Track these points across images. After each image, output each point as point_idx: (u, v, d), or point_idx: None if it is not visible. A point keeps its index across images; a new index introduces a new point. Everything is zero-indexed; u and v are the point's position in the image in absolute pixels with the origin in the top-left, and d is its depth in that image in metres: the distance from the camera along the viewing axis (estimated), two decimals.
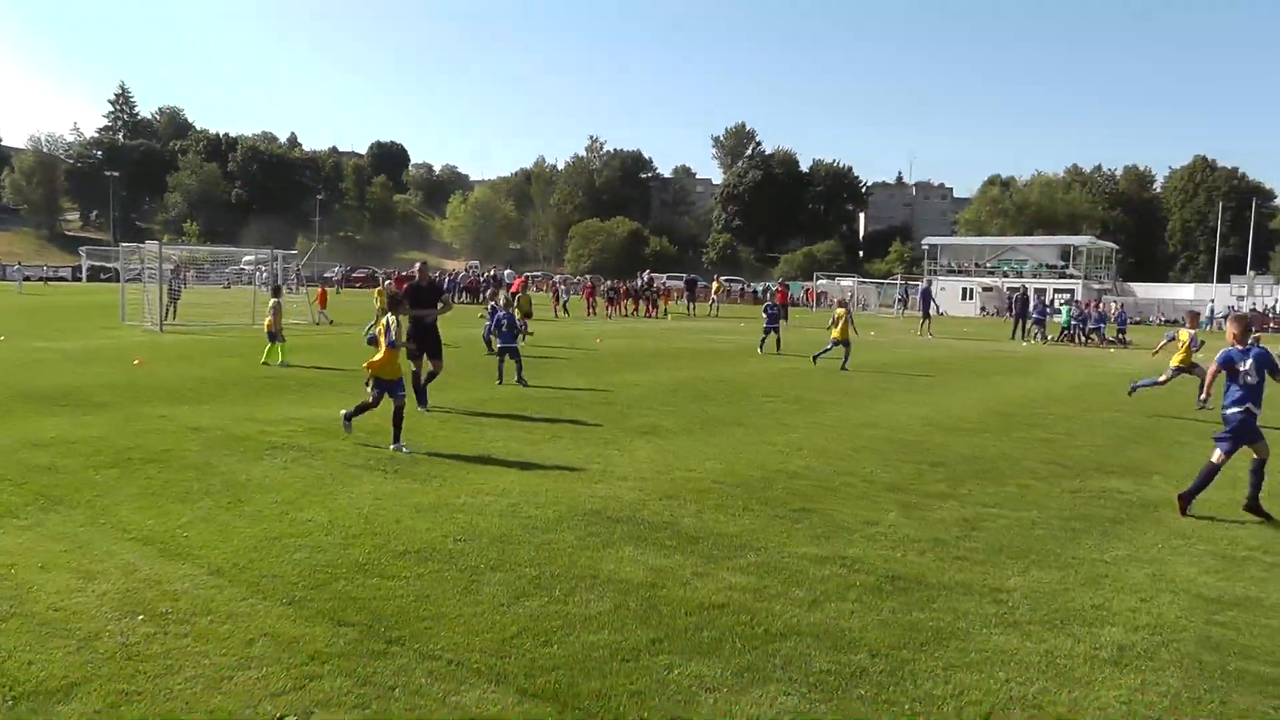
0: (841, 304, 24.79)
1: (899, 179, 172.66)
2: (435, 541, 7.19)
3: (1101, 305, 44.71)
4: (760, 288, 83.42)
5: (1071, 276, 75.76)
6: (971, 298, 74.88)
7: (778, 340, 27.18)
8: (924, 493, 9.59)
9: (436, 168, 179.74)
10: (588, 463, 10.31)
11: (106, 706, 4.50)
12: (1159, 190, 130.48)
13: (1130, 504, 9.56)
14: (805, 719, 4.61)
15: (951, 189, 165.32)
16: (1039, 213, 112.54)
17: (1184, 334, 18.92)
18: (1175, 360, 18.18)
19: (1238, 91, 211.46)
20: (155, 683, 4.75)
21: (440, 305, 14.73)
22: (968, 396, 18.37)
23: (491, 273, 68.03)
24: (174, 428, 11.73)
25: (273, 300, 20.57)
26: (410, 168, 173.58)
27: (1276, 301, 70.76)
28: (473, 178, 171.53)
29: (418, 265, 15.85)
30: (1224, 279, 78.63)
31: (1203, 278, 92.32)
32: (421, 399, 13.73)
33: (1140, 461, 11.97)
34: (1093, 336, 39.87)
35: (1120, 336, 40.11)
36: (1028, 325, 40.27)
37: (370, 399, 11.07)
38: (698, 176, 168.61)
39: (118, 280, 39.75)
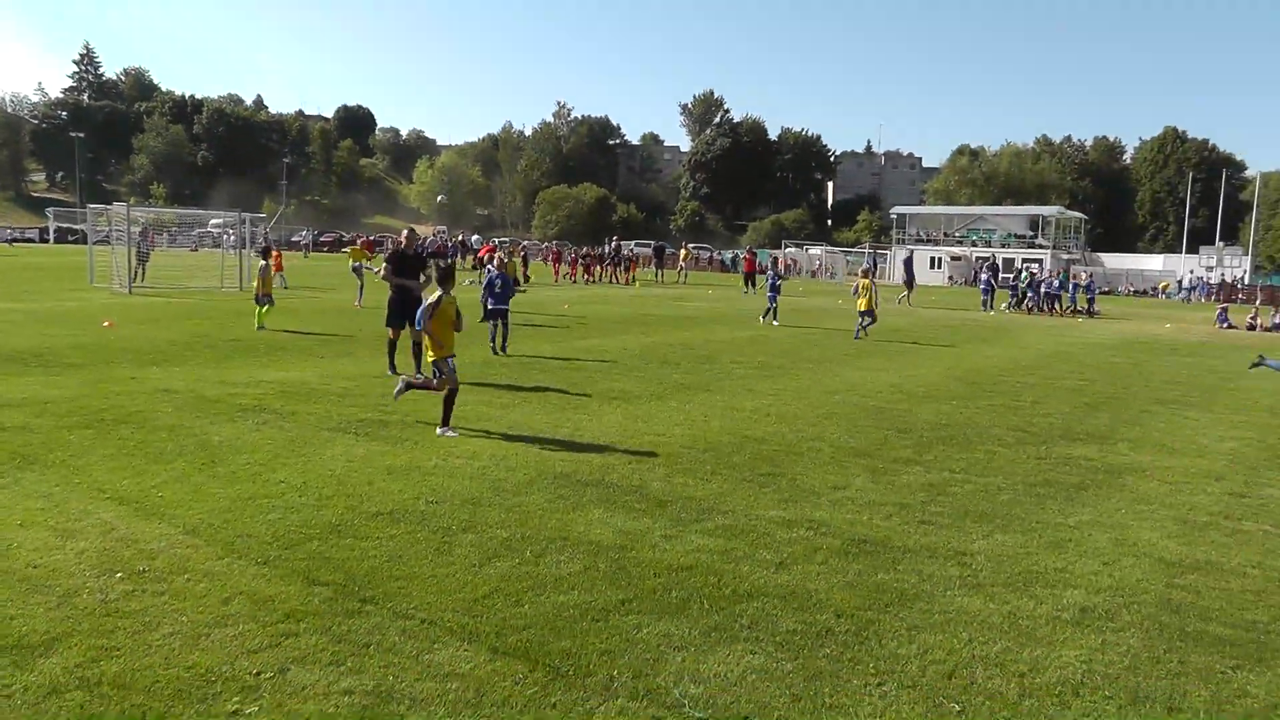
0: (866, 274, 24.33)
1: (868, 148, 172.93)
2: (407, 503, 7.24)
3: (1057, 274, 45.02)
4: (729, 256, 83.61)
5: (1040, 246, 76.28)
6: (940, 267, 75.33)
7: (775, 311, 26.49)
8: (891, 458, 9.72)
9: (404, 132, 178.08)
10: (557, 427, 10.37)
11: (87, 660, 4.54)
12: (1129, 161, 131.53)
13: (1095, 470, 9.73)
14: (771, 677, 4.71)
15: (920, 158, 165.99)
16: (1008, 183, 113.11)
17: None
18: None
19: (1209, 64, 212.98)
20: (134, 638, 4.80)
21: (423, 277, 14.16)
22: (936, 364, 18.57)
23: (460, 238, 67.61)
24: (145, 389, 11.67)
25: (261, 263, 20.33)
26: (377, 132, 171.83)
27: (1245, 272, 71.64)
28: (440, 142, 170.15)
29: (404, 232, 15.31)
30: (1193, 250, 79.37)
31: (1172, 248, 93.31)
32: (393, 366, 13.69)
33: (1105, 428, 12.18)
34: (1056, 306, 40.33)
35: (1089, 307, 40.57)
36: (994, 295, 40.72)
37: (434, 379, 10.12)
38: (666, 144, 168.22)
39: (85, 242, 39.20)
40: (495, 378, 13.87)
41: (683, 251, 62.33)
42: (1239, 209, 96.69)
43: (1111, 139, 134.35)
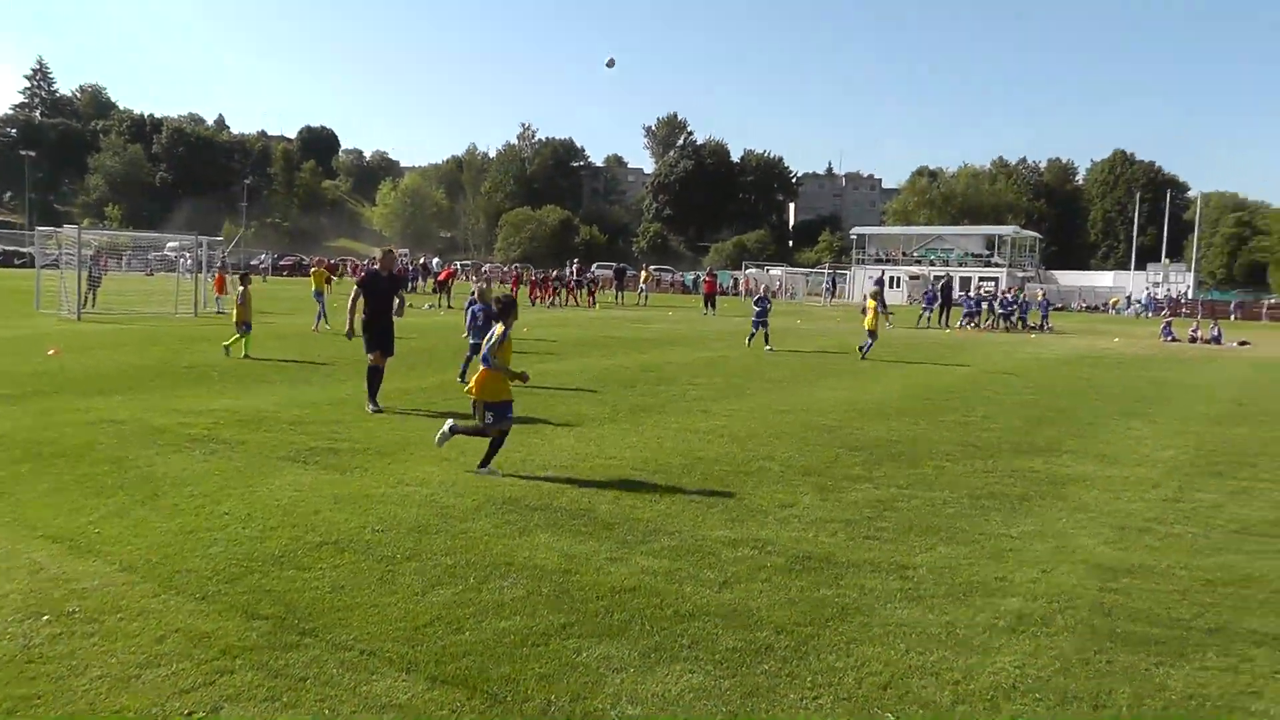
0: (874, 295, 24.53)
1: (829, 170, 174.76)
2: (353, 532, 7.19)
3: (1011, 292, 45.76)
4: (691, 277, 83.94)
5: (996, 265, 77.65)
6: (899, 286, 76.15)
7: (766, 335, 25.29)
8: (840, 475, 9.81)
9: (367, 154, 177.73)
10: (509, 452, 10.29)
11: (2, 714, 4.40)
12: (1081, 182, 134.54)
13: (1039, 481, 9.91)
14: (709, 695, 4.74)
15: (880, 180, 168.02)
16: (965, 203, 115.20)
17: None
18: None
19: (1157, 87, 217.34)
20: (57, 684, 4.66)
21: (397, 301, 13.46)
22: (889, 382, 18.76)
23: (421, 261, 67.46)
24: (90, 420, 11.48)
25: (240, 288, 19.67)
26: (340, 153, 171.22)
27: (1188, 287, 73.24)
28: (404, 164, 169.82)
29: (381, 252, 14.39)
30: (1141, 267, 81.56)
31: (1122, 265, 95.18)
32: (374, 396, 13.03)
33: (1052, 441, 12.38)
34: (1012, 322, 40.94)
35: (1043, 323, 41.23)
36: (948, 312, 41.26)
37: (482, 424, 9.38)
38: (629, 166, 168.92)
39: (33, 266, 38.63)
40: (450, 402, 13.81)
41: (643, 273, 62.56)
42: (1183, 228, 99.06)
43: (1065, 161, 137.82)
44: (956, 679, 4.99)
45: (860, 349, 23.48)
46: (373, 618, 5.54)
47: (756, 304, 25.85)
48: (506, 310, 9.52)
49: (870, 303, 23.99)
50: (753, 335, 25.55)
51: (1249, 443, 12.86)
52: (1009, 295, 43.92)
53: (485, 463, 9.34)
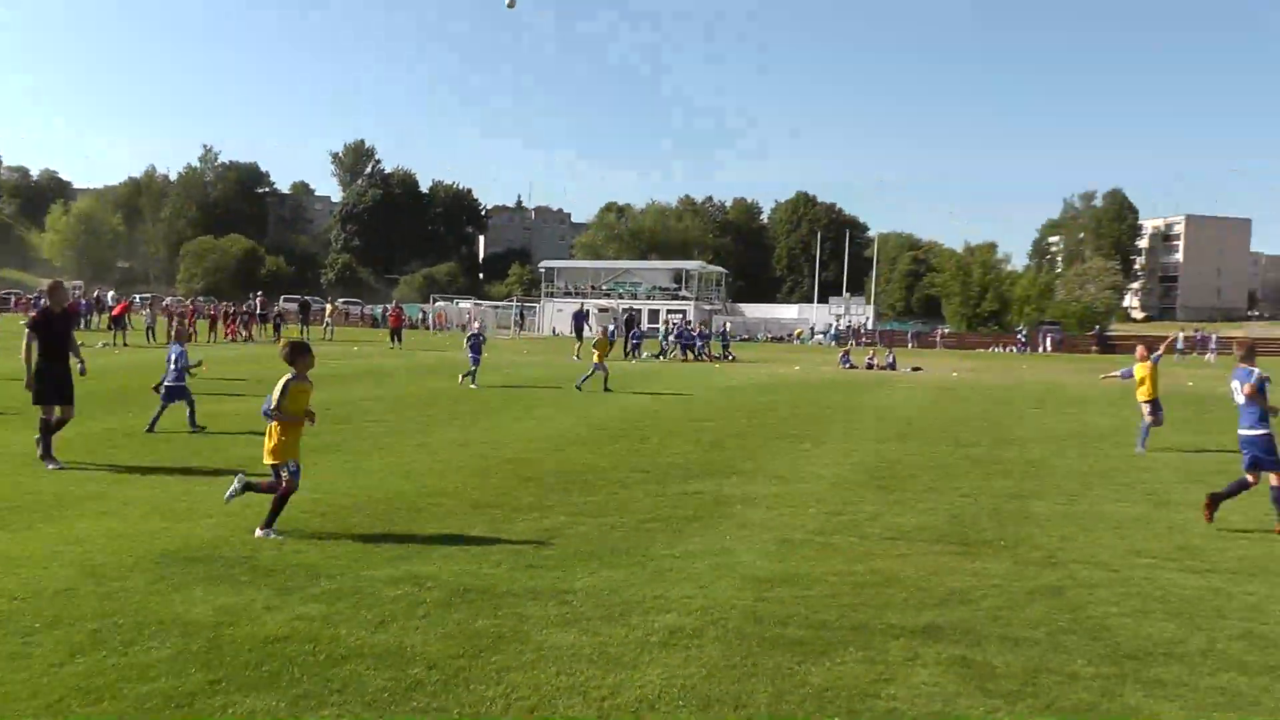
0: (604, 328, 25.68)
1: (519, 203, 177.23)
2: None
3: (698, 325, 48.97)
4: (379, 310, 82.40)
5: (684, 298, 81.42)
6: (588, 318, 78.19)
7: (473, 373, 24.68)
8: (512, 506, 9.96)
9: (34, 172, 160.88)
10: (174, 501, 9.74)
11: None
12: (766, 221, 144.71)
13: (708, 502, 10.48)
14: None
15: (570, 214, 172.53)
16: (653, 238, 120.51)
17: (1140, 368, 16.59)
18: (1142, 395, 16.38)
19: (837, 135, 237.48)
20: None
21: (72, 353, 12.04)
22: (572, 413, 19.24)
23: (95, 295, 62.14)
24: None
25: None
26: (3, 170, 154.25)
27: (868, 319, 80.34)
28: (76, 185, 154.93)
29: (50, 285, 12.91)
30: (824, 300, 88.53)
31: (806, 299, 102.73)
32: (49, 452, 11.52)
33: (726, 464, 13.14)
34: (700, 352, 43.68)
35: (725, 352, 44.20)
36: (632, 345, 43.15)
37: (281, 480, 8.65)
38: (317, 193, 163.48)
39: None
40: (115, 451, 12.83)
41: (329, 307, 60.83)
42: (863, 264, 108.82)
43: (749, 200, 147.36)
44: (604, 695, 5.20)
45: (580, 383, 24.24)
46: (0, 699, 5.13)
47: (470, 340, 25.64)
48: (298, 353, 8.83)
49: (600, 334, 25.19)
50: (473, 372, 24.88)
51: (911, 459, 14.21)
52: (691, 328, 46.65)
53: (268, 524, 8.55)
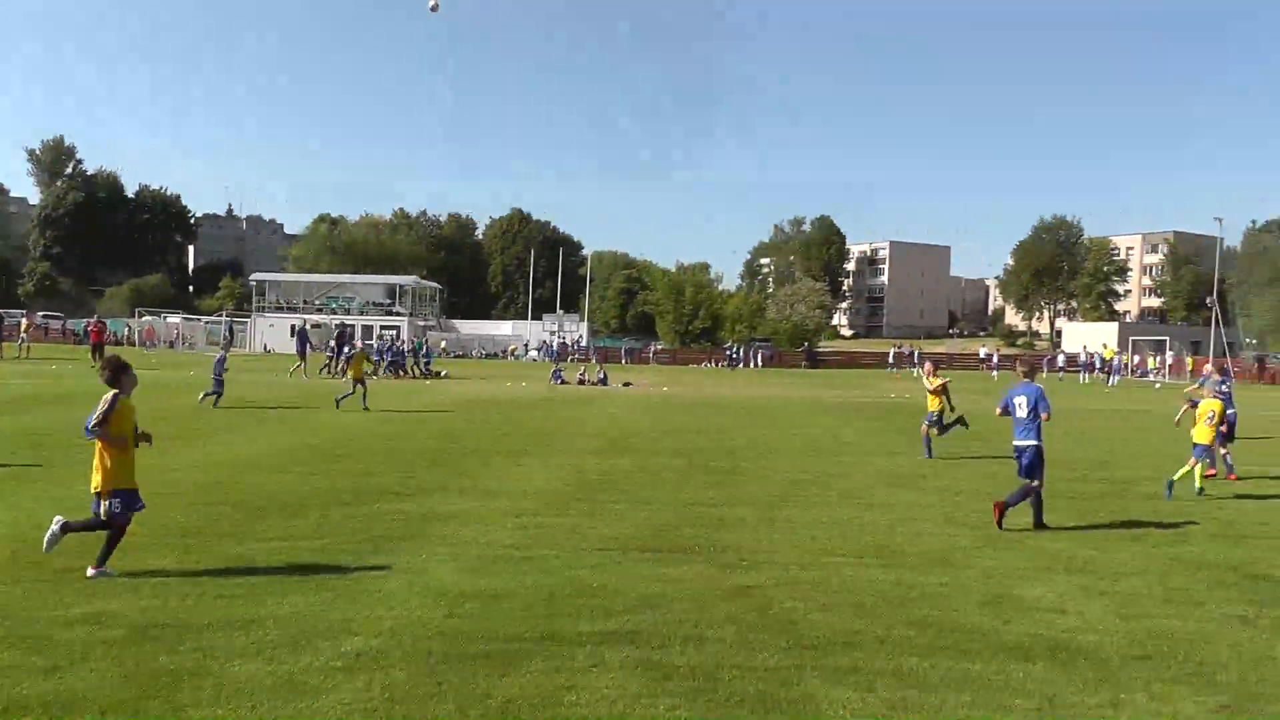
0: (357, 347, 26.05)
1: (229, 211, 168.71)
2: None
3: (411, 341, 48.79)
4: (82, 325, 75.93)
5: (399, 314, 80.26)
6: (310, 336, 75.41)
7: (217, 397, 23.50)
8: (213, 534, 9.52)
9: None
10: None
11: None
12: (481, 237, 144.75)
13: (411, 521, 10.40)
14: None
15: (283, 224, 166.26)
16: (367, 252, 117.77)
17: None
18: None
19: (543, 156, 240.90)
20: None
21: None
22: (283, 433, 18.59)
23: None
24: None
25: None
26: None
27: (581, 335, 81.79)
28: None
29: None
30: (538, 317, 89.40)
31: (522, 315, 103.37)
32: None
33: (430, 483, 13.06)
34: (410, 369, 43.57)
35: (426, 368, 44.69)
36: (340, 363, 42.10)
37: (106, 515, 7.96)
38: (12, 194, 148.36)
39: None
40: None
41: (24, 321, 55.46)
42: (579, 282, 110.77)
43: (464, 216, 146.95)
44: None
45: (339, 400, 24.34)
46: None
47: (220, 363, 24.32)
48: (121, 372, 8.23)
49: (358, 353, 26.38)
50: (216, 395, 23.57)
51: (617, 471, 14.65)
52: (397, 344, 46.53)
53: (102, 561, 7.90)
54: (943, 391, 17.57)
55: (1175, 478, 13.38)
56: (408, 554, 8.93)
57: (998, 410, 11.49)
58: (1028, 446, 10.93)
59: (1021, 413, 11.05)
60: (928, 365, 18.87)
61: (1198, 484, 13.38)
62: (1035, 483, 10.87)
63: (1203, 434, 13.75)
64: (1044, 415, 10.88)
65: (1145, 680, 6.12)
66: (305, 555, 8.81)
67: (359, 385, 24.77)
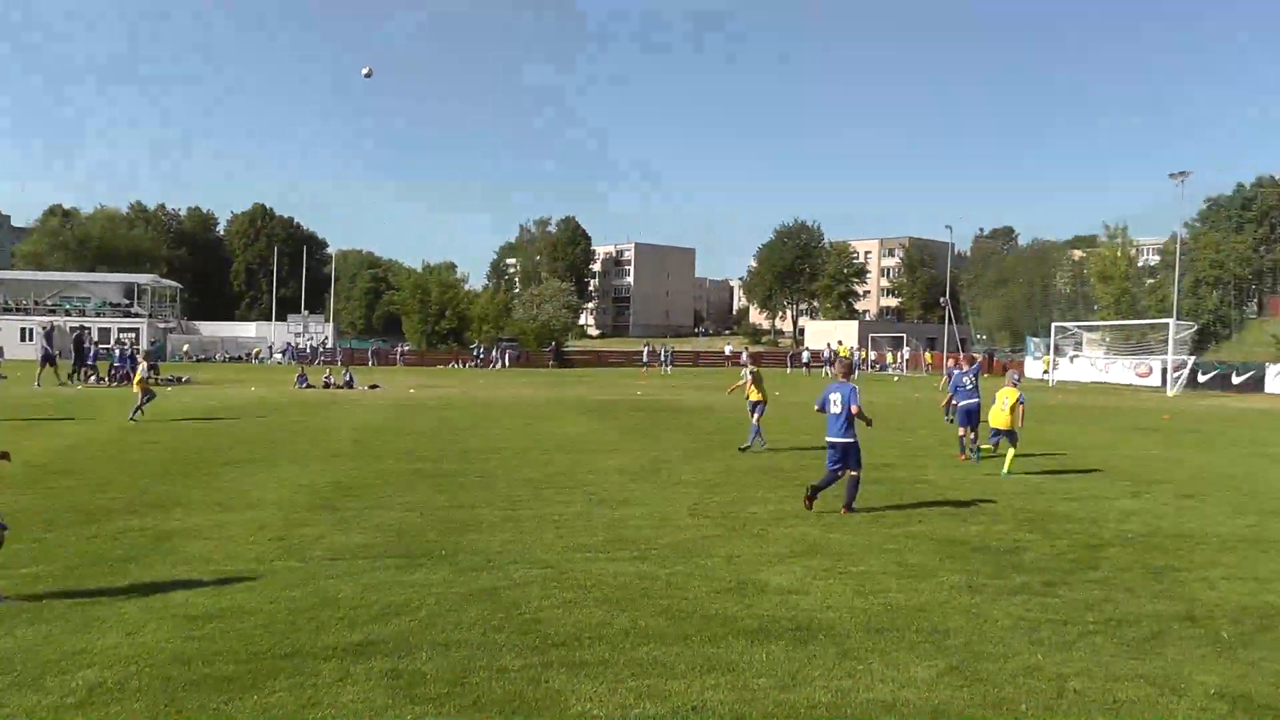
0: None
1: None
2: None
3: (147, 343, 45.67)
4: None
5: (137, 315, 75.06)
6: (33, 338, 69.37)
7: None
8: None
9: None
10: None
11: None
12: (222, 233, 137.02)
13: (146, 539, 9.91)
14: None
15: (10, 217, 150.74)
16: (102, 248, 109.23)
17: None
18: None
19: (295, 152, 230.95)
20: None
21: None
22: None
23: None
24: None
25: None
26: None
27: (328, 337, 79.13)
28: None
29: None
30: (283, 317, 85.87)
31: (265, 316, 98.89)
32: None
33: (166, 497, 12.44)
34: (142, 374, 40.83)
35: (153, 372, 42.28)
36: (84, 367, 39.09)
37: None
38: None
39: None
40: None
41: None
42: (322, 281, 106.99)
43: (205, 210, 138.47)
44: None
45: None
46: None
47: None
48: None
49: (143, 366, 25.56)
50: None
51: (362, 477, 14.44)
52: (137, 347, 43.45)
53: None
54: (759, 381, 18.61)
55: (1006, 469, 15.33)
56: (142, 575, 8.51)
57: (816, 407, 12.46)
58: (845, 443, 11.91)
59: (836, 409, 11.94)
60: (751, 367, 19.85)
61: (1006, 468, 15.36)
62: (855, 472, 11.89)
63: (999, 418, 15.79)
64: (853, 408, 11.78)
65: (881, 651, 6.73)
66: (26, 583, 8.21)
67: (147, 395, 23.71)
